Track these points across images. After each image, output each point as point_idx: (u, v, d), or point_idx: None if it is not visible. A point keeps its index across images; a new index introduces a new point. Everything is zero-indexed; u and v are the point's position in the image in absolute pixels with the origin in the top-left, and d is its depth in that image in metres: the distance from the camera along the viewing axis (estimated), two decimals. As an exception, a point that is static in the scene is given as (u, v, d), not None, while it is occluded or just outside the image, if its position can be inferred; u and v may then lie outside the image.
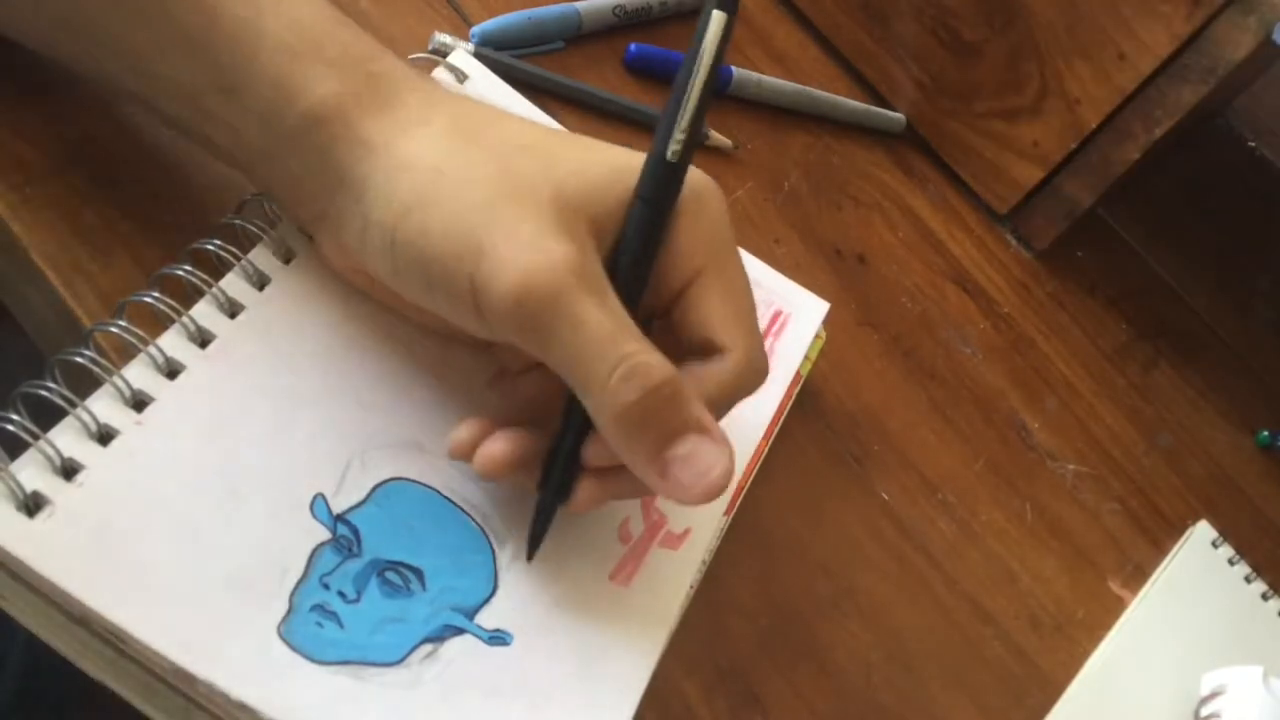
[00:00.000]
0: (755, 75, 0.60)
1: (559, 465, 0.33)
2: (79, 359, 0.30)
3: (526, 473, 0.33)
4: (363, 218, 0.31)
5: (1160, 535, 0.56)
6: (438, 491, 0.34)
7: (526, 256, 0.29)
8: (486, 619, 0.33)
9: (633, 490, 0.33)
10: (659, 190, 0.32)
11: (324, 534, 0.31)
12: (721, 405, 0.33)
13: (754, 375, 0.33)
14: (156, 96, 0.33)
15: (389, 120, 0.31)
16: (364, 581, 0.31)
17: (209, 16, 0.31)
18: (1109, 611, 0.51)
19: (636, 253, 0.32)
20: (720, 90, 0.58)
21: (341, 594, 0.31)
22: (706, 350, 0.33)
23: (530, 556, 0.34)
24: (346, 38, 0.32)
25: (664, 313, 0.34)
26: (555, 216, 0.30)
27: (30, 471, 0.28)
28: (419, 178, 0.30)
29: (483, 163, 0.30)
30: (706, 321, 0.33)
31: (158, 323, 0.32)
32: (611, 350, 0.29)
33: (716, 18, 0.32)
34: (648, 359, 0.30)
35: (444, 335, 0.36)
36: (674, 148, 0.32)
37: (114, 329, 0.31)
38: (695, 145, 0.32)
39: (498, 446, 0.32)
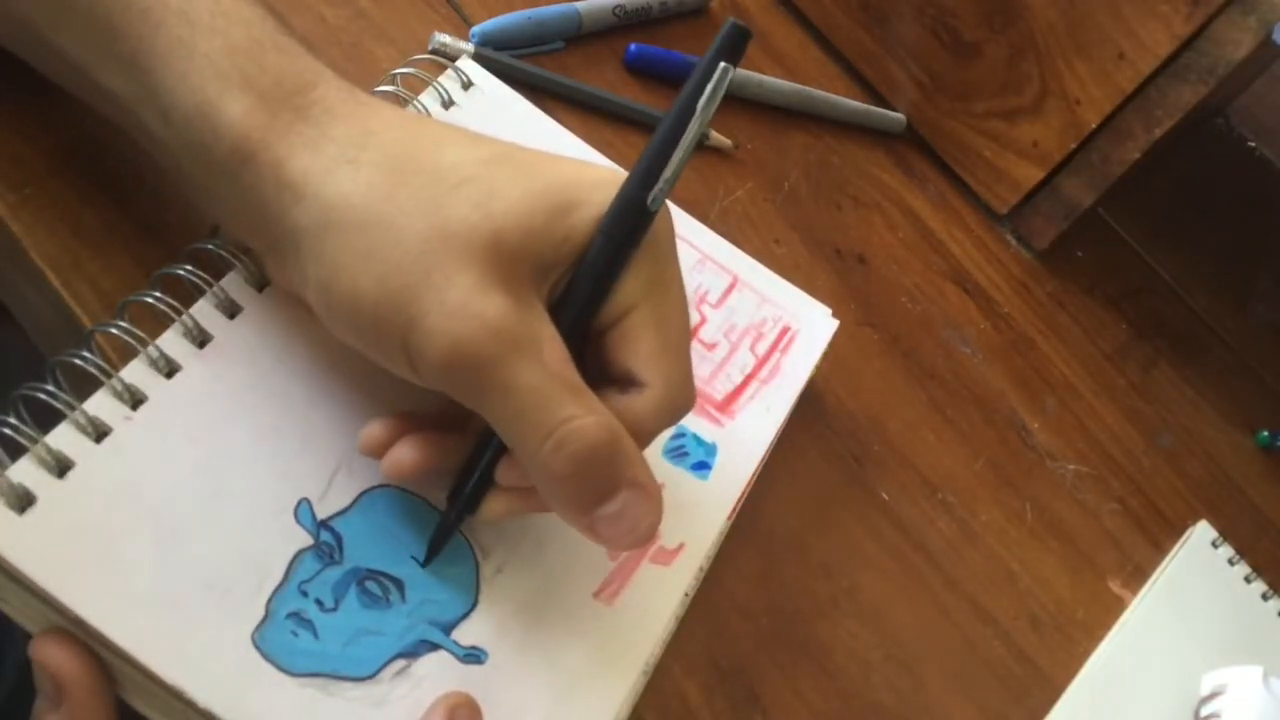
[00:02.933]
0: (755, 75, 0.60)
1: (471, 484, 0.32)
2: (79, 361, 0.29)
3: (433, 482, 0.33)
4: (300, 272, 0.31)
5: (1160, 535, 0.56)
6: (424, 500, 0.34)
7: (453, 326, 0.28)
8: (464, 634, 0.32)
9: (542, 508, 0.32)
10: (627, 232, 0.31)
11: (306, 539, 0.31)
12: (640, 438, 0.32)
13: (674, 411, 0.33)
14: (107, 110, 0.32)
15: (313, 159, 0.30)
16: (343, 590, 0.31)
17: (149, 28, 0.30)
18: (1109, 611, 0.51)
19: (591, 288, 0.31)
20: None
21: (319, 602, 0.30)
22: (628, 382, 0.32)
23: (426, 563, 0.33)
24: (281, 64, 0.31)
25: (595, 338, 0.33)
26: (490, 266, 0.29)
27: (23, 467, 0.28)
28: (347, 234, 0.29)
29: (413, 209, 0.29)
30: (633, 356, 0.32)
31: (158, 323, 0.32)
32: (543, 417, 0.29)
33: (721, 70, 0.31)
34: (582, 422, 0.29)
35: None
36: (656, 196, 0.31)
37: (114, 329, 0.31)
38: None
39: (407, 454, 0.31)
